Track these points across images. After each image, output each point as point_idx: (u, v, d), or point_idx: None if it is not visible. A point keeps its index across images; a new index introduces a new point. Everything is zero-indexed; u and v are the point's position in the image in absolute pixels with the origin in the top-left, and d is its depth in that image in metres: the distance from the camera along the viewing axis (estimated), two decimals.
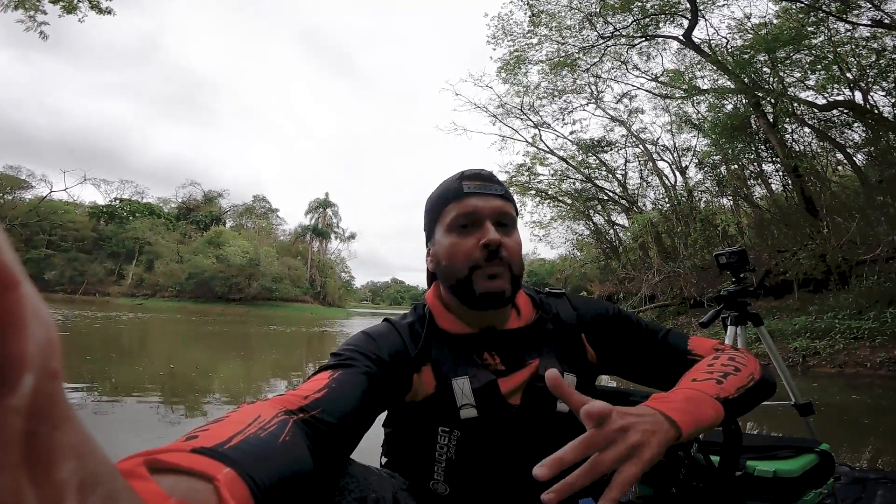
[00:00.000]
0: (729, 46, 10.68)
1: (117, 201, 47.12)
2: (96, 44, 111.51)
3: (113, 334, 10.62)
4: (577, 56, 12.58)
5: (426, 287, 0.91)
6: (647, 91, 14.21)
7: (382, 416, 0.78)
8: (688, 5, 10.11)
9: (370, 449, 0.81)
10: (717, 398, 0.65)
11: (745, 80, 9.74)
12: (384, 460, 0.86)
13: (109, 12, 11.14)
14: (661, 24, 11.25)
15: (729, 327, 1.91)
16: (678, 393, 0.65)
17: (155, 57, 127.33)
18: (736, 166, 12.72)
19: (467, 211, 0.78)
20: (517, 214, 0.85)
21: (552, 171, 16.61)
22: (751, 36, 10.03)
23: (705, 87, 11.62)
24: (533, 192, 16.74)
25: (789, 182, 11.26)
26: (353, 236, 53.55)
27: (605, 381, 3.92)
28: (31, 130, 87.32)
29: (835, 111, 10.33)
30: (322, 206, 51.31)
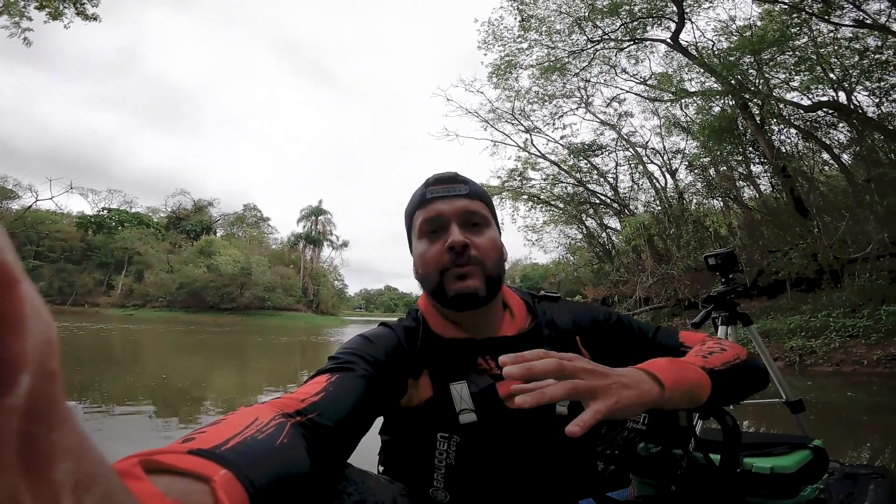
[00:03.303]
0: (715, 49, 10.81)
1: (105, 211, 46.56)
2: (76, 56, 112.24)
3: (102, 347, 10.38)
4: (566, 60, 12.67)
5: (420, 294, 0.91)
6: (636, 94, 14.38)
7: (378, 424, 0.77)
8: (674, 8, 10.24)
9: (367, 455, 0.79)
10: (702, 367, 0.68)
11: (732, 81, 9.85)
12: (381, 468, 0.85)
13: (95, 18, 11.06)
14: (648, 28, 11.39)
15: (720, 327, 1.97)
16: (662, 359, 0.67)
17: (135, 69, 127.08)
18: (725, 168, 12.84)
19: (432, 216, 0.78)
20: (491, 211, 0.83)
21: (544, 176, 16.68)
22: (736, 38, 10.16)
23: (693, 89, 11.74)
24: (525, 196, 16.76)
25: (778, 183, 11.37)
26: (345, 244, 53.33)
27: None
28: (16, 142, 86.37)
29: (820, 112, 10.49)
30: (315, 213, 51.10)
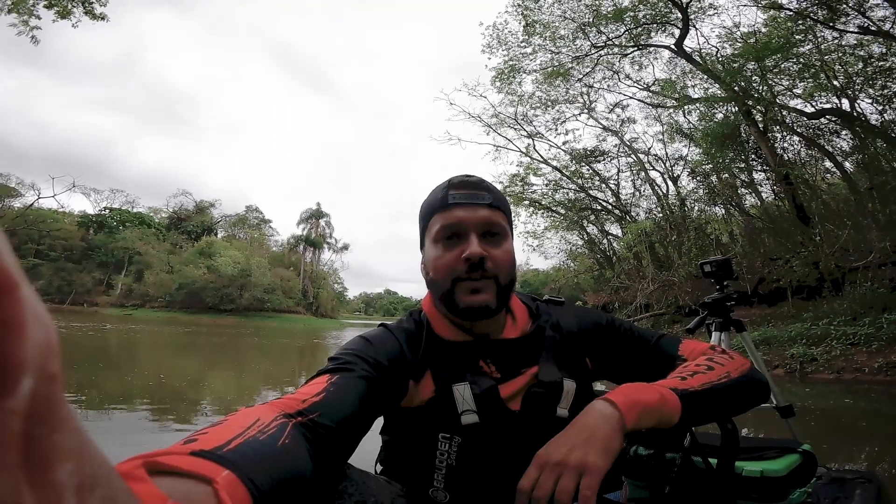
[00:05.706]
0: (719, 55, 10.82)
1: (107, 210, 46.65)
2: (77, 59, 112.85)
3: (97, 349, 10.34)
4: (570, 65, 12.70)
5: (421, 297, 0.90)
6: (639, 100, 14.39)
7: (378, 425, 0.77)
8: (679, 15, 10.25)
9: (365, 456, 0.79)
10: (672, 389, 0.66)
11: (736, 88, 9.84)
12: (380, 468, 0.86)
13: (103, 18, 11.11)
14: (652, 34, 11.41)
15: (713, 333, 2.04)
16: (624, 385, 0.68)
17: (135, 73, 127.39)
18: (727, 175, 12.81)
19: (451, 223, 0.76)
20: (510, 221, 0.83)
21: (546, 182, 16.68)
22: (740, 45, 10.17)
23: (696, 96, 11.74)
24: (527, 202, 16.74)
25: (780, 190, 11.34)
26: (346, 247, 53.38)
27: (597, 385, 3.84)
28: (18, 142, 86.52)
29: (823, 119, 10.47)
30: (314, 216, 51.18)
